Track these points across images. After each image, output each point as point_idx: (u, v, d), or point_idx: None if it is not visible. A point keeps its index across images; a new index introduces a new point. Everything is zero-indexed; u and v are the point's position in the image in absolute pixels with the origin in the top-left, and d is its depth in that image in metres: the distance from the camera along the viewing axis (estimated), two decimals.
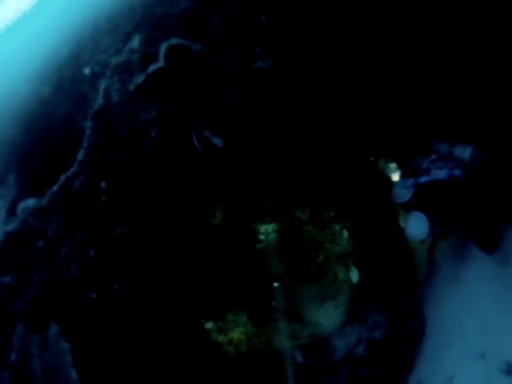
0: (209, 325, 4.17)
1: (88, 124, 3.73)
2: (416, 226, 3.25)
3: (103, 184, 3.71)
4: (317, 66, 3.62)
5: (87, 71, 3.96)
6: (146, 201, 3.76)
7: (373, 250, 4.24)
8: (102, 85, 3.78)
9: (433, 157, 3.46)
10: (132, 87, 3.57)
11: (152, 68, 3.47)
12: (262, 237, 4.26)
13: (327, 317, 4.29)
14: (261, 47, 3.52)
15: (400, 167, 3.94)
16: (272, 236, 4.28)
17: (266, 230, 4.26)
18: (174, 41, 3.40)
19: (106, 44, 3.96)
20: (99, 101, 3.75)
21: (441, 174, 3.31)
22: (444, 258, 4.36)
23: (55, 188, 3.90)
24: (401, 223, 4.18)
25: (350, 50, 3.58)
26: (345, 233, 4.17)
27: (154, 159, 3.65)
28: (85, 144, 3.72)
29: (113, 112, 3.68)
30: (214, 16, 3.65)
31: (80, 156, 3.74)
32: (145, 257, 3.84)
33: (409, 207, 3.56)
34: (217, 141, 3.48)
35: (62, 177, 3.81)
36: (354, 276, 4.24)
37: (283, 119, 3.64)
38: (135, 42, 3.72)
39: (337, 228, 4.17)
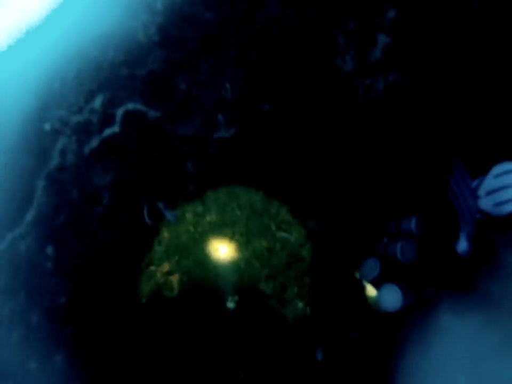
0: None
1: (41, 183, 3.56)
2: (390, 298, 3.25)
3: (49, 250, 3.50)
4: (281, 138, 3.52)
5: (47, 126, 3.83)
6: (94, 271, 3.54)
7: (339, 329, 4.03)
8: (60, 143, 3.63)
9: (385, 240, 3.42)
10: (87, 149, 3.43)
11: (107, 132, 3.34)
12: (227, 307, 4.04)
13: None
14: (224, 116, 3.42)
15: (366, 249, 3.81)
16: (236, 309, 4.06)
17: (231, 303, 4.05)
18: (130, 106, 3.28)
19: (71, 100, 3.85)
20: (55, 160, 3.59)
21: (395, 251, 3.24)
22: (414, 333, 4.15)
23: (2, 246, 3.69)
24: (368, 298, 4.00)
25: (315, 123, 3.49)
26: (309, 311, 3.96)
27: (105, 227, 3.46)
28: (34, 205, 3.54)
29: (68, 174, 3.51)
30: (180, 81, 3.56)
31: (28, 217, 3.54)
32: (91, 330, 3.59)
33: (378, 283, 3.47)
34: (170, 215, 3.31)
35: (9, 237, 3.60)
36: (319, 355, 4.03)
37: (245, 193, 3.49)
38: (98, 102, 3.61)
39: (300, 305, 3.97)
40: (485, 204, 2.95)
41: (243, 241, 3.82)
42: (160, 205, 3.31)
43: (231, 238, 3.81)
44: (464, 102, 3.75)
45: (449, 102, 3.75)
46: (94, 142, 3.37)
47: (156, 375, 3.75)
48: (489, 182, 2.94)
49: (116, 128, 3.29)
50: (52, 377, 3.70)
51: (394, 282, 3.22)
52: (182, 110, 3.42)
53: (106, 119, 3.48)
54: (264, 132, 3.45)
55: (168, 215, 3.29)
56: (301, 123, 3.52)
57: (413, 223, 3.31)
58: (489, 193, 2.94)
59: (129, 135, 3.38)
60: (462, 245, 3.07)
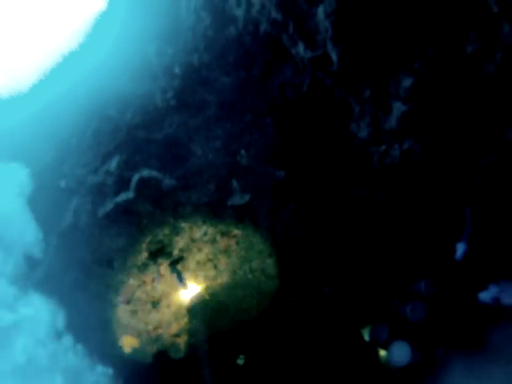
0: None
1: (53, 241, 3.56)
2: (399, 353, 3.45)
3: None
4: (295, 205, 3.50)
5: (63, 184, 3.87)
6: (103, 333, 3.50)
7: None
8: (74, 202, 3.66)
9: (396, 302, 3.59)
10: (101, 211, 3.44)
11: (121, 197, 3.35)
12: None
13: None
14: (239, 182, 3.42)
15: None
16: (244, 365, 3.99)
17: (240, 360, 3.97)
18: (145, 173, 3.31)
19: (88, 159, 3.89)
20: (68, 218, 3.60)
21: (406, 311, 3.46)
22: None
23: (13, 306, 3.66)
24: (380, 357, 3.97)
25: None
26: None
27: (114, 290, 3.43)
28: (46, 262, 3.53)
29: (80, 234, 3.52)
30: (196, 146, 3.59)
31: (39, 273, 3.53)
32: None
33: (387, 344, 3.58)
34: (179, 279, 3.27)
35: (20, 293, 3.57)
36: None
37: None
38: (113, 164, 3.64)
39: None
40: None
41: (254, 304, 3.78)
42: (171, 268, 3.28)
43: (242, 300, 3.77)
44: (481, 167, 3.72)
45: (465, 168, 3.72)
46: (109, 205, 3.38)
47: None
48: None
49: (130, 194, 3.31)
50: None
51: (404, 339, 3.43)
52: (196, 175, 3.43)
53: (122, 182, 3.50)
54: (278, 196, 3.43)
55: (178, 279, 3.25)
56: (314, 196, 3.51)
57: (422, 285, 3.51)
58: None
59: (143, 200, 3.39)
60: None
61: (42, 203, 3.99)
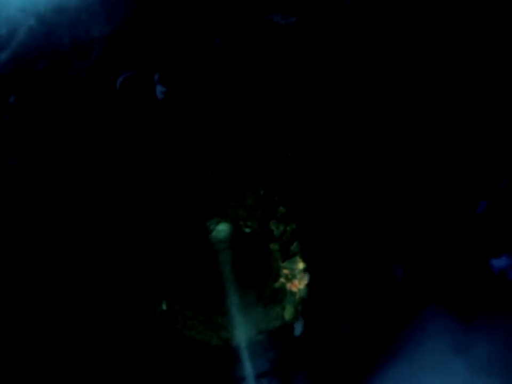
0: None
1: (31, 20, 2.83)
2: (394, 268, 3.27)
3: (11, 99, 2.80)
4: (353, 48, 2.65)
5: None
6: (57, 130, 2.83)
7: (334, 317, 3.33)
8: None
9: None
10: None
11: None
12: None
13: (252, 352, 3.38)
14: None
15: None
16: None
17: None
18: None
19: None
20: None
21: None
22: (403, 351, 3.50)
23: None
24: None
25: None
26: (307, 277, 3.26)
27: (82, 88, 2.72)
28: (13, 44, 2.82)
29: (64, 17, 2.77)
30: None
31: (2, 55, 2.83)
32: None
33: None
34: (159, 90, 2.51)
35: None
36: (298, 328, 3.31)
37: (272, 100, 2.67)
38: None
39: (300, 266, 3.26)
40: None
41: None
42: (156, 77, 2.52)
43: None
44: None
45: None
46: None
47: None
48: None
49: None
50: None
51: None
52: None
53: None
54: (336, 35, 2.58)
55: (158, 89, 2.51)
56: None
57: None
58: None
59: None
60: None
61: None
